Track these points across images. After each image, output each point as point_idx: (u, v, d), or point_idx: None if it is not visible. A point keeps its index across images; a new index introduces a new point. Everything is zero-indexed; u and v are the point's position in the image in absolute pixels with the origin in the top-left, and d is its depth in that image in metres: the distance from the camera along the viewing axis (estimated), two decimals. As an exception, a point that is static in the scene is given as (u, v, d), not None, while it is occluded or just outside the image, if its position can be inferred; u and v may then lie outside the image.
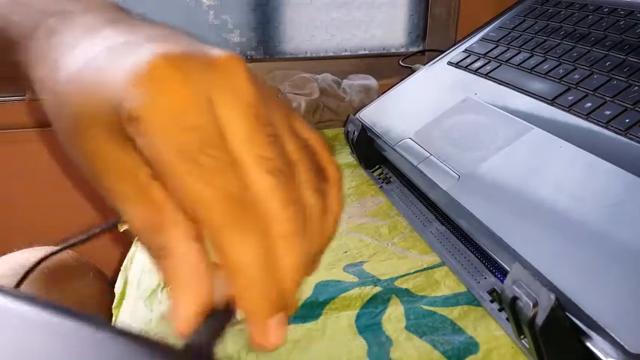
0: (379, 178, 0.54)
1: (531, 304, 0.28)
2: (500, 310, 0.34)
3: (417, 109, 0.54)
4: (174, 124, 0.17)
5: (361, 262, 0.42)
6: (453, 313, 0.36)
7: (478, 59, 0.55)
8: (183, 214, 0.19)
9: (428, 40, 0.91)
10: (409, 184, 0.49)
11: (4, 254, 0.58)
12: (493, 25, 0.61)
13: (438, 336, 0.34)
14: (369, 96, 0.74)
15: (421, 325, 0.35)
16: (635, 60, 0.42)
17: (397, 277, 0.40)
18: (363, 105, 0.62)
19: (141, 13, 0.25)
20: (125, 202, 0.20)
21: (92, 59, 0.20)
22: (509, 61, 0.52)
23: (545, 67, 0.48)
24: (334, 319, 0.36)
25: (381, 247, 0.44)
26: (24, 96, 0.83)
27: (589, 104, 0.40)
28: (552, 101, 0.43)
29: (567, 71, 0.45)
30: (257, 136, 0.19)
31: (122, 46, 0.20)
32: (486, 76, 0.52)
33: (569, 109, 0.41)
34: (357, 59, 0.90)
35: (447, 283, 0.39)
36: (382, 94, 0.62)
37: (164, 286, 0.40)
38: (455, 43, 0.62)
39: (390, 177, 0.53)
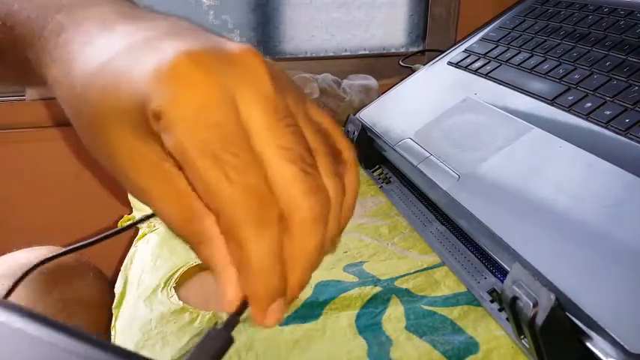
0: (379, 178, 0.54)
1: (531, 304, 0.28)
2: (500, 310, 0.34)
3: (417, 109, 0.54)
4: (198, 121, 0.18)
5: (361, 262, 0.42)
6: (453, 313, 0.36)
7: (478, 59, 0.55)
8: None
9: (428, 40, 0.91)
10: (409, 184, 0.49)
11: (3, 254, 0.58)
12: (493, 25, 0.61)
13: (438, 336, 0.34)
14: (369, 96, 0.74)
15: (421, 325, 0.35)
16: (635, 60, 0.42)
17: (397, 277, 0.40)
18: (363, 105, 0.62)
19: (148, 5, 0.25)
20: (154, 196, 0.20)
21: (113, 57, 0.20)
22: (509, 61, 0.52)
23: (545, 67, 0.48)
24: (334, 319, 0.36)
25: (381, 247, 0.44)
26: (24, 96, 0.83)
27: (589, 104, 0.40)
28: (552, 101, 0.43)
29: (567, 71, 0.45)
30: (277, 128, 0.19)
31: (143, 44, 0.20)
32: (486, 76, 0.52)
33: (569, 109, 0.41)
34: (357, 59, 0.90)
35: (447, 283, 0.39)
36: (382, 94, 0.62)
37: (163, 286, 0.40)
38: (455, 43, 0.62)
39: (390, 177, 0.53)
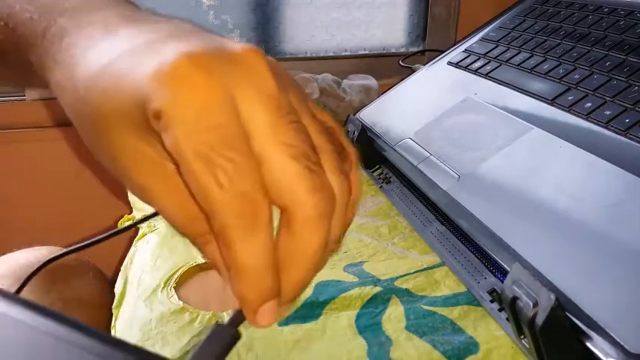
0: (379, 178, 0.54)
1: (531, 304, 0.28)
2: (500, 310, 0.34)
3: (417, 109, 0.54)
4: (197, 122, 0.18)
5: (361, 262, 0.42)
6: (453, 313, 0.36)
7: (478, 59, 0.55)
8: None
9: (428, 40, 0.91)
10: (409, 184, 0.49)
11: (4, 254, 0.58)
12: (493, 25, 0.61)
13: (438, 336, 0.34)
14: (369, 96, 0.74)
15: (421, 325, 0.35)
16: (635, 60, 0.42)
17: (397, 277, 0.40)
18: (363, 105, 0.62)
19: (150, 8, 0.25)
20: (157, 195, 0.20)
21: (115, 60, 0.20)
22: (509, 61, 0.52)
23: (545, 67, 0.48)
24: (334, 319, 0.36)
25: (381, 247, 0.44)
26: (24, 96, 0.83)
27: (589, 104, 0.40)
28: (552, 101, 0.43)
29: (567, 71, 0.45)
30: (280, 125, 0.19)
31: (144, 46, 0.20)
32: (486, 76, 0.52)
33: (569, 109, 0.41)
34: (357, 59, 0.90)
35: (447, 283, 0.39)
36: (382, 94, 0.62)
37: (163, 286, 0.40)
38: (455, 43, 0.62)
39: (390, 177, 0.53)
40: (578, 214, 0.33)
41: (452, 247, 0.41)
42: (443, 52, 0.62)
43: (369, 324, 0.35)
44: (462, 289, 0.38)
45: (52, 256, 0.46)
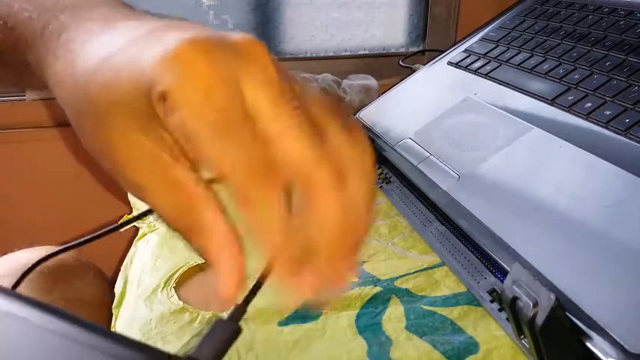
0: (379, 178, 0.54)
1: (531, 304, 0.28)
2: (500, 310, 0.34)
3: (417, 109, 0.54)
4: (204, 103, 0.18)
5: (361, 262, 0.42)
6: (453, 313, 0.36)
7: (478, 59, 0.55)
8: (207, 185, 0.20)
9: (428, 40, 0.91)
10: (409, 184, 0.49)
11: (4, 254, 0.58)
12: (493, 25, 0.61)
13: (438, 336, 0.34)
14: (369, 96, 0.74)
15: (421, 325, 0.35)
16: (635, 60, 0.42)
17: (397, 277, 0.40)
18: (363, 105, 0.62)
19: (146, 9, 0.25)
20: (150, 190, 0.20)
21: (115, 53, 0.20)
22: (509, 61, 0.52)
23: (545, 67, 0.48)
24: (334, 319, 0.36)
25: (381, 247, 0.44)
26: (24, 96, 0.83)
27: (589, 104, 0.40)
28: (552, 101, 0.43)
29: (567, 71, 0.45)
30: (284, 111, 0.19)
31: (146, 36, 0.20)
32: (486, 76, 0.52)
33: (569, 109, 0.41)
34: (357, 59, 0.90)
35: (447, 283, 0.39)
36: (382, 94, 0.62)
37: (163, 286, 0.40)
38: (455, 43, 0.62)
39: (390, 177, 0.53)
40: (578, 214, 0.33)
41: (452, 247, 0.41)
42: (443, 52, 0.62)
43: (369, 324, 0.35)
44: (462, 289, 0.38)
45: (48, 254, 0.46)
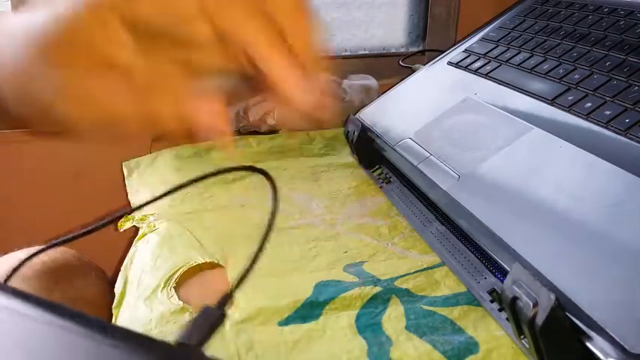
0: (379, 178, 0.54)
1: (531, 304, 0.28)
2: (500, 310, 0.34)
3: (417, 109, 0.54)
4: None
5: (361, 262, 0.42)
6: (453, 313, 0.36)
7: (478, 59, 0.55)
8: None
9: (428, 40, 0.91)
10: (409, 184, 0.49)
11: (4, 254, 0.58)
12: (493, 25, 0.61)
13: (438, 336, 0.34)
14: (369, 96, 0.74)
15: (421, 325, 0.35)
16: (635, 60, 0.42)
17: (397, 277, 0.40)
18: (363, 105, 0.62)
19: None
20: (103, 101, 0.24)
21: None
22: (509, 61, 0.52)
23: (545, 67, 0.48)
24: (334, 319, 0.36)
25: (381, 247, 0.44)
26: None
27: (589, 104, 0.40)
28: (552, 101, 0.43)
29: (567, 71, 0.45)
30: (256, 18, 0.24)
31: None
32: (486, 76, 0.52)
33: (569, 109, 0.41)
34: (357, 59, 0.90)
35: (447, 283, 0.39)
36: (382, 94, 0.62)
37: (163, 286, 0.40)
38: (455, 43, 0.62)
39: (390, 177, 0.53)
40: (578, 214, 0.33)
41: (452, 247, 0.41)
42: (443, 52, 0.62)
43: (369, 324, 0.35)
44: (462, 289, 0.38)
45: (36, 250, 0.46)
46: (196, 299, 0.39)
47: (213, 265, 0.43)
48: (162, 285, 0.40)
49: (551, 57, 0.49)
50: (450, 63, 0.58)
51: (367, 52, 0.91)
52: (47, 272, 0.52)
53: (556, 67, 0.47)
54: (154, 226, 0.49)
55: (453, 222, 0.40)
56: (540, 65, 0.48)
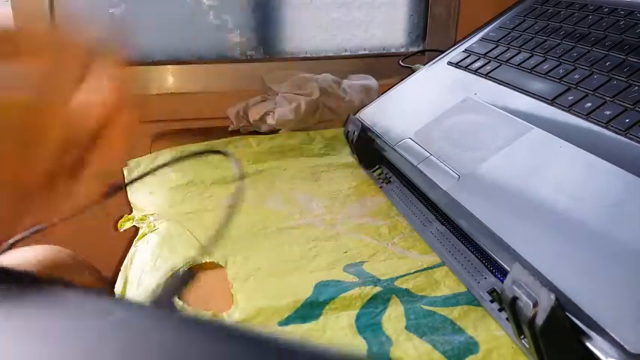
0: (379, 178, 0.54)
1: (531, 304, 0.28)
2: (500, 310, 0.34)
3: (417, 109, 0.54)
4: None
5: (361, 262, 0.42)
6: (453, 313, 0.36)
7: (478, 59, 0.55)
8: None
9: (428, 40, 0.91)
10: (409, 184, 0.49)
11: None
12: (493, 25, 0.61)
13: (438, 336, 0.34)
14: (369, 96, 0.74)
15: (421, 325, 0.35)
16: (635, 60, 0.42)
17: (397, 277, 0.40)
18: (363, 105, 0.62)
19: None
20: None
21: None
22: (509, 61, 0.52)
23: (545, 67, 0.48)
24: (334, 319, 0.36)
25: (381, 247, 0.44)
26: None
27: (589, 104, 0.40)
28: (552, 101, 0.43)
29: (567, 71, 0.45)
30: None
31: None
32: (486, 76, 0.52)
33: (569, 109, 0.41)
34: (357, 59, 0.90)
35: (447, 283, 0.39)
36: (382, 94, 0.62)
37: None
38: (455, 43, 0.62)
39: (390, 177, 0.53)
40: (578, 214, 0.33)
41: (452, 247, 0.41)
42: (443, 52, 0.62)
43: (369, 324, 0.35)
44: (462, 289, 0.38)
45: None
46: (196, 299, 0.39)
47: (213, 265, 0.43)
48: (162, 285, 0.40)
49: (551, 57, 0.49)
50: (450, 63, 0.58)
51: (367, 52, 0.91)
52: (42, 270, 0.52)
53: (556, 67, 0.47)
54: (154, 226, 0.49)
55: (453, 222, 0.40)
56: (540, 65, 0.48)
